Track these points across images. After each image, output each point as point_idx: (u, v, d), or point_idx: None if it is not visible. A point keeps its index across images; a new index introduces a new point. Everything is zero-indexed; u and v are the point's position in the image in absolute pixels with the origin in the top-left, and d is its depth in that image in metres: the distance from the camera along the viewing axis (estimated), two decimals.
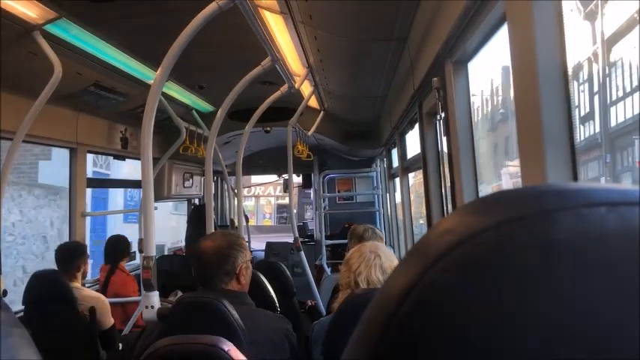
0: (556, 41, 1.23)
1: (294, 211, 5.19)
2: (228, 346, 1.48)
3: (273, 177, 10.05)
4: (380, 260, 1.89)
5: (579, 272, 0.27)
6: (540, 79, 1.21)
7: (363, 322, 0.31)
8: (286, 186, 7.58)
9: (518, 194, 0.32)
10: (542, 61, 1.22)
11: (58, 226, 9.03)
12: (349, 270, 1.90)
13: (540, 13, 1.23)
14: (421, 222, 4.73)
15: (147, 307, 1.95)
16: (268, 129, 5.65)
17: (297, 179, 8.08)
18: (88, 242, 3.44)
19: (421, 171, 3.24)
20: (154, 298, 1.98)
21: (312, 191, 9.52)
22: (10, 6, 2.47)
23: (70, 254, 3.38)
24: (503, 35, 1.49)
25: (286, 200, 20.87)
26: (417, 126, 3.23)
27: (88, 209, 3.27)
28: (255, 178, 11.59)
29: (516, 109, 1.37)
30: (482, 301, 0.27)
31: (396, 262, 1.94)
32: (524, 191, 0.32)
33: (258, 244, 7.52)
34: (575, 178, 1.20)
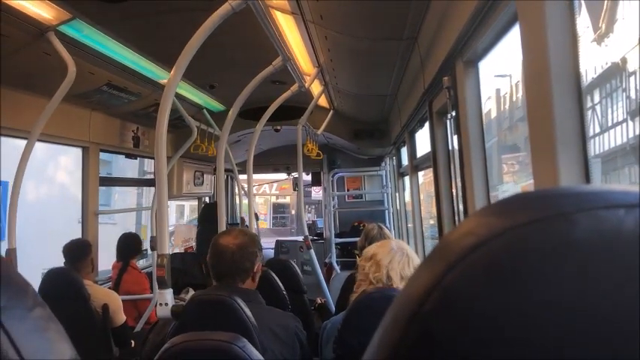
0: (569, 40, 1.22)
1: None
2: (244, 343, 1.49)
3: (274, 175, 9.76)
4: (409, 258, 1.89)
5: (597, 273, 0.27)
6: (553, 79, 1.20)
7: (385, 322, 0.31)
8: (296, 184, 7.60)
9: (537, 196, 0.32)
10: (554, 61, 1.21)
11: None
12: (378, 264, 1.86)
13: (552, 12, 1.22)
14: (431, 222, 4.70)
15: (161, 304, 1.97)
16: (278, 128, 5.66)
17: (305, 177, 8.08)
18: None
19: (431, 170, 3.23)
20: (168, 295, 1.99)
21: (313, 190, 9.41)
22: (25, 7, 2.51)
23: (79, 252, 3.40)
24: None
25: (285, 199, 20.46)
26: (426, 125, 3.22)
27: None
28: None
29: (528, 109, 1.36)
30: (502, 301, 0.27)
31: (418, 261, 1.93)
32: (543, 193, 0.32)
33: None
34: (588, 179, 1.19)
